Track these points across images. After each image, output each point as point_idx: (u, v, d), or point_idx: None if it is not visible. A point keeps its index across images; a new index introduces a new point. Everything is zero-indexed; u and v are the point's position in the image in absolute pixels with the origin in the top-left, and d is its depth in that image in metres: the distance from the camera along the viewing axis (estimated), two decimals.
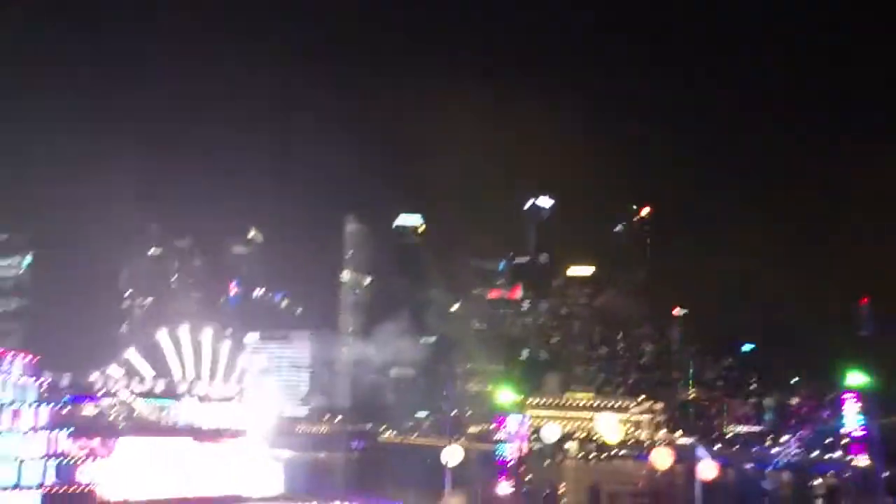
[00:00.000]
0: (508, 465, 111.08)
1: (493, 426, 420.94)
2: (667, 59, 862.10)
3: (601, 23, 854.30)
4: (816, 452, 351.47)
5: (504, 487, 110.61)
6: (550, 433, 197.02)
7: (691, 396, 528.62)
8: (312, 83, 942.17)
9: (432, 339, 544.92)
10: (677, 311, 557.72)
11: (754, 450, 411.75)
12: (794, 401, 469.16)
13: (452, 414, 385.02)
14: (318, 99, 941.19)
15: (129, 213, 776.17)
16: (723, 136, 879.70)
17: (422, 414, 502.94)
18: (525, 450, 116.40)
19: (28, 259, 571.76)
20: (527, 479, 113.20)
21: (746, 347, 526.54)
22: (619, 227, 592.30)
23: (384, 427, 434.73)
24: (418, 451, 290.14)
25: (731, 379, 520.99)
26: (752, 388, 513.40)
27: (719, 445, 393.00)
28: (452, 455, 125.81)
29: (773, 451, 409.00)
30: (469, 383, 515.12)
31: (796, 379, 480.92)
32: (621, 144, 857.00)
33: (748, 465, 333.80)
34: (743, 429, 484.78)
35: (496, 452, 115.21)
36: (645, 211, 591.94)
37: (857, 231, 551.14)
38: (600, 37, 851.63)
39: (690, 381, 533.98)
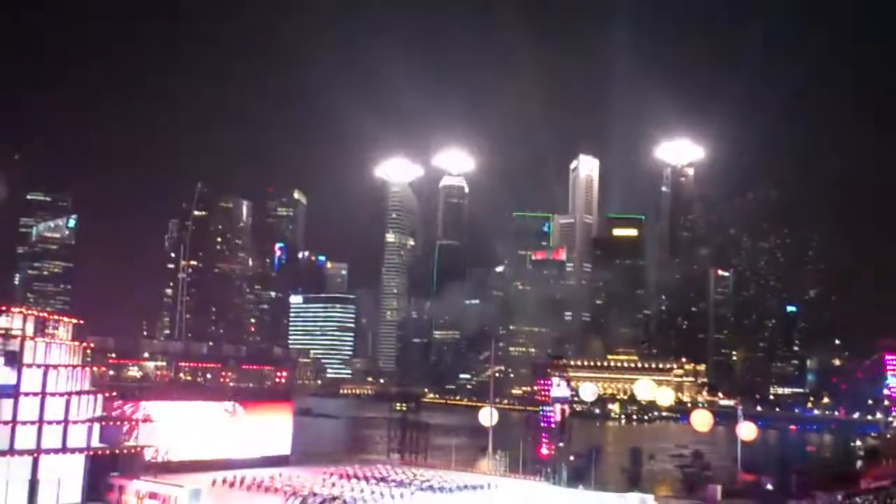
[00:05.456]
0: (551, 427, 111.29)
1: (535, 388, 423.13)
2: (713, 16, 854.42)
3: None
4: (858, 414, 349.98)
5: (546, 448, 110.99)
6: (588, 393, 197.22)
7: (734, 358, 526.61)
8: (349, 44, 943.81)
9: (476, 300, 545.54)
10: (720, 273, 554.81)
11: (796, 411, 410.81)
12: (837, 362, 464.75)
13: (495, 376, 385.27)
14: (365, 58, 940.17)
15: (175, 173, 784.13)
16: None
17: (465, 376, 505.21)
18: (567, 411, 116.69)
19: (72, 221, 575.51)
20: (569, 440, 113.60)
21: (789, 309, 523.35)
22: (664, 188, 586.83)
23: (427, 389, 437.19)
24: (460, 412, 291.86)
25: (774, 340, 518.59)
26: (794, 349, 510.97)
27: (761, 407, 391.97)
28: (490, 417, 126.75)
29: (815, 412, 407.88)
30: (512, 345, 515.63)
31: (838, 341, 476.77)
32: (670, 106, 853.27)
33: (790, 427, 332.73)
34: (785, 390, 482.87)
35: (539, 414, 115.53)
36: (690, 171, 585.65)
37: None
38: None
39: (733, 343, 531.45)
